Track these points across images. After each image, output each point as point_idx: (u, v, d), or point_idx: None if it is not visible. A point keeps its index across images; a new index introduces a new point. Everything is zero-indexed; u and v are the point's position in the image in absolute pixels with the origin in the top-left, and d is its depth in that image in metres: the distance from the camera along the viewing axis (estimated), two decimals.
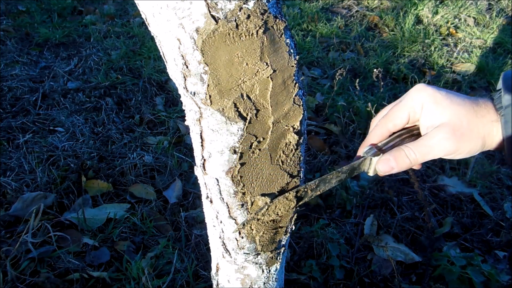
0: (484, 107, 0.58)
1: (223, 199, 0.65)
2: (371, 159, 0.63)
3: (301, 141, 0.62)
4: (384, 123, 0.65)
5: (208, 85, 0.53)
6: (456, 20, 3.45)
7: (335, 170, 0.62)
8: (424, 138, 0.60)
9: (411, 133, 0.65)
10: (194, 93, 0.55)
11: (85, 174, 1.65)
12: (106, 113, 2.08)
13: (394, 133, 0.66)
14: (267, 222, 0.68)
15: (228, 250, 0.74)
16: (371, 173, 0.65)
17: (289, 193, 0.60)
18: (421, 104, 0.61)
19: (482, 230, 1.60)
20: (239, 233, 0.69)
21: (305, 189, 0.61)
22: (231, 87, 0.53)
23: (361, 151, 0.66)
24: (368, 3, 3.70)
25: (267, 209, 0.60)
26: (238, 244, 0.71)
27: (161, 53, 0.57)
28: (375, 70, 2.31)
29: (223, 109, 0.55)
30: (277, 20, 0.51)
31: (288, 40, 0.53)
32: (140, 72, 2.45)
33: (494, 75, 2.70)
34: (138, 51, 2.67)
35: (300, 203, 0.62)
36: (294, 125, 0.60)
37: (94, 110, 2.11)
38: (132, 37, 2.89)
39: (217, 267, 0.82)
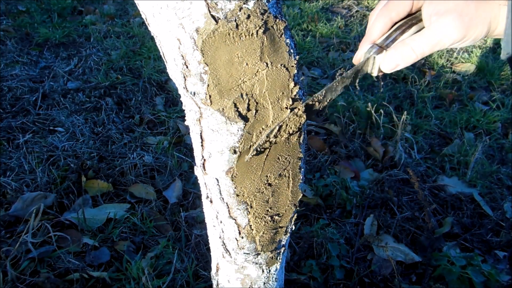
0: None
1: (223, 199, 0.66)
2: (374, 58, 0.60)
3: (301, 141, 0.62)
4: (385, 12, 0.61)
5: (208, 85, 0.53)
6: None
7: (340, 77, 0.60)
8: (429, 28, 0.56)
9: (412, 23, 0.61)
10: (194, 93, 0.55)
11: (85, 174, 1.65)
12: (106, 113, 2.08)
13: (394, 24, 0.62)
14: (267, 217, 0.68)
15: (228, 250, 0.74)
16: (375, 73, 0.61)
17: (298, 109, 0.57)
18: None
19: (482, 230, 1.60)
20: (239, 233, 0.69)
21: (313, 101, 0.59)
22: (231, 87, 0.53)
23: (361, 51, 0.62)
24: (368, 3, 3.70)
25: (278, 129, 0.57)
26: (238, 244, 0.71)
27: (161, 53, 0.57)
28: None
29: (223, 109, 0.55)
30: (277, 20, 0.51)
31: (288, 40, 0.53)
32: (140, 72, 2.45)
33: (494, 75, 2.70)
34: (138, 51, 2.67)
35: (309, 117, 0.60)
36: (294, 125, 0.60)
37: (94, 110, 2.11)
38: (132, 37, 2.88)
39: (217, 267, 0.82)
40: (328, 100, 0.61)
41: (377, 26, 0.61)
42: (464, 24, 0.54)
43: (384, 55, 0.59)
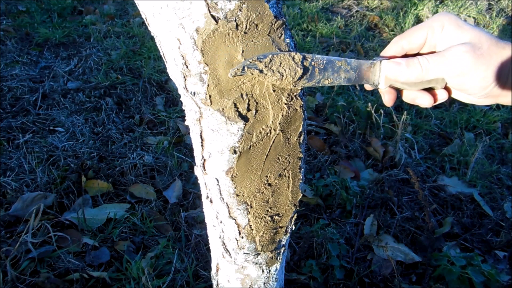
0: (505, 44, 0.56)
1: (223, 199, 0.65)
2: (380, 62, 0.59)
3: (301, 141, 0.62)
4: (399, 39, 0.61)
5: (208, 85, 0.53)
6: None
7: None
8: (442, 51, 0.57)
9: None
10: (194, 93, 0.55)
11: (85, 174, 1.65)
12: (106, 113, 2.08)
13: (406, 56, 0.62)
14: (267, 217, 0.68)
15: (228, 250, 0.74)
16: (381, 84, 0.60)
17: (296, 54, 0.54)
18: (441, 25, 0.57)
19: (482, 230, 1.60)
20: (239, 233, 0.69)
21: (312, 62, 0.56)
22: (231, 87, 0.53)
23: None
24: (368, 3, 3.69)
25: (270, 61, 0.53)
26: (238, 244, 0.71)
27: (161, 53, 0.57)
28: None
29: (223, 109, 0.55)
30: (277, 20, 0.51)
31: (288, 40, 0.53)
32: (140, 72, 2.45)
33: None
34: (138, 51, 2.67)
35: (303, 80, 0.56)
36: (294, 125, 0.60)
37: (94, 110, 2.11)
38: (132, 37, 2.88)
39: (217, 267, 0.82)
40: (328, 79, 0.57)
41: (389, 50, 0.62)
42: (475, 55, 0.54)
43: (390, 61, 0.58)
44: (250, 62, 0.52)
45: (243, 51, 0.51)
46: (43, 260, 1.32)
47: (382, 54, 0.62)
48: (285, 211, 0.68)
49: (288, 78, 0.54)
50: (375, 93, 2.42)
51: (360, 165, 1.88)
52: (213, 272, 0.85)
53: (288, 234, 0.75)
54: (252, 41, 0.51)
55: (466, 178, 1.84)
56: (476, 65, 0.54)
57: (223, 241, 0.73)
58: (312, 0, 3.65)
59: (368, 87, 0.63)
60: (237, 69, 0.52)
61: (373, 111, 2.05)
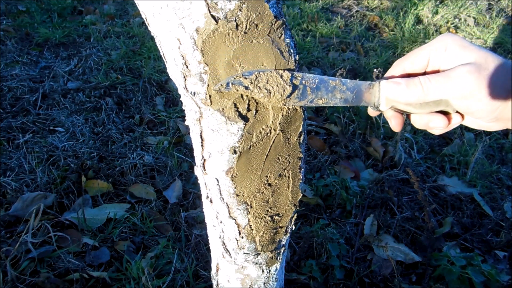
0: None
1: (223, 199, 0.65)
2: (379, 83, 0.56)
3: (301, 141, 0.62)
4: (400, 61, 0.59)
5: (208, 85, 0.53)
6: (456, 20, 3.45)
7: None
8: (444, 72, 0.53)
9: None
10: (194, 93, 0.55)
11: (85, 174, 1.65)
12: (106, 113, 2.08)
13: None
14: (267, 217, 0.68)
15: (228, 250, 0.74)
16: (382, 104, 0.57)
17: (284, 72, 0.52)
18: (444, 45, 0.54)
19: (482, 230, 1.60)
20: (239, 233, 0.69)
21: (303, 81, 0.54)
22: None
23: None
24: (368, 3, 3.69)
25: (256, 77, 0.51)
26: (238, 244, 0.71)
27: (161, 53, 0.57)
28: (375, 70, 2.31)
29: (223, 109, 0.55)
30: (277, 20, 0.51)
31: (288, 40, 0.53)
32: (140, 72, 2.45)
33: None
34: (138, 51, 2.67)
35: (294, 99, 0.54)
36: (294, 125, 0.60)
37: (94, 110, 2.11)
38: (132, 37, 2.88)
39: (217, 267, 0.82)
40: (321, 99, 0.55)
41: (392, 72, 0.59)
42: (481, 76, 0.51)
43: (389, 81, 0.56)
44: (235, 78, 0.51)
45: None
46: (43, 260, 1.32)
47: (385, 76, 0.60)
48: (285, 211, 0.68)
49: (276, 96, 0.52)
50: None
51: (360, 165, 1.88)
52: (213, 272, 0.85)
53: (288, 234, 0.75)
54: (252, 41, 0.51)
55: (466, 178, 1.84)
56: (481, 87, 0.51)
57: (223, 241, 0.73)
58: (312, 0, 3.66)
59: (371, 111, 0.61)
60: (221, 85, 0.51)
61: None
